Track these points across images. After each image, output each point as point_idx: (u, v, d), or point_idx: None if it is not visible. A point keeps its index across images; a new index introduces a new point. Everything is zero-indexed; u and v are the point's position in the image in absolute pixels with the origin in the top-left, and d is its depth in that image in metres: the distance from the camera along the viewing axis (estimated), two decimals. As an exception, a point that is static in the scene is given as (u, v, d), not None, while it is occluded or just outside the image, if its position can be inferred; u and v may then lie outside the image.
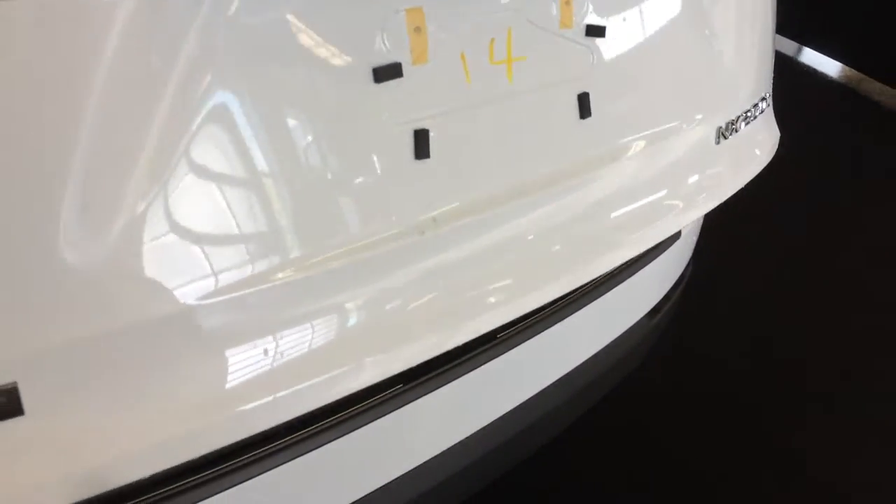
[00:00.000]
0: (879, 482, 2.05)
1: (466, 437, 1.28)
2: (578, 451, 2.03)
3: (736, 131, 1.40)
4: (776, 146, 1.53)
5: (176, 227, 0.80)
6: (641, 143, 1.26)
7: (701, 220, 1.66)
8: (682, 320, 1.87)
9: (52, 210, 0.72)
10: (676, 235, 1.52)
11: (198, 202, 0.81)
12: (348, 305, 0.96)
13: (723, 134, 1.38)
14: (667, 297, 1.66)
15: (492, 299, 1.10)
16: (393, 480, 1.18)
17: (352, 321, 0.96)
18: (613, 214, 1.25)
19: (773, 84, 1.56)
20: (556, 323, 1.31)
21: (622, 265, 1.42)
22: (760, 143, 1.49)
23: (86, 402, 0.77)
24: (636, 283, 1.47)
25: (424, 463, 1.22)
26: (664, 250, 1.50)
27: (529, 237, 1.14)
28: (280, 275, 0.88)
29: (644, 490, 1.98)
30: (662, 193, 1.31)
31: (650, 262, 1.48)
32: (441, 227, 1.02)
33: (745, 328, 2.54)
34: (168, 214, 0.79)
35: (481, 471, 1.41)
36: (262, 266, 0.86)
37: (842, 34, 4.40)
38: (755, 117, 1.46)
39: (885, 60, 4.20)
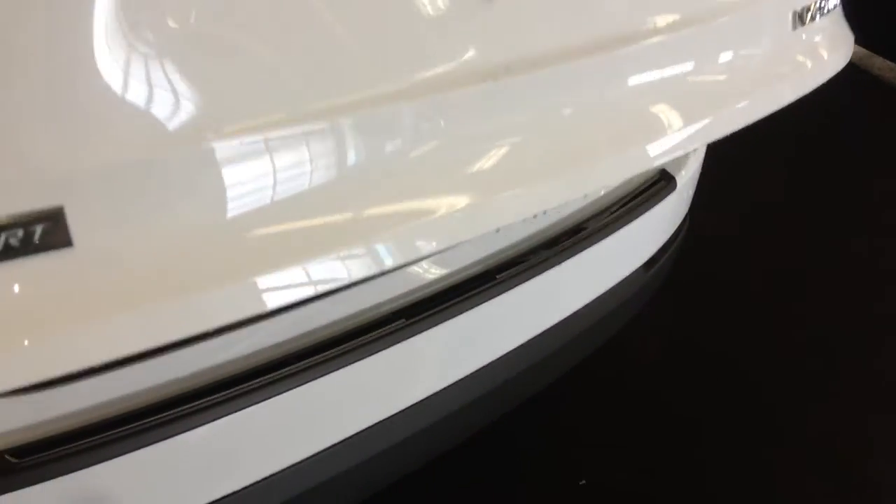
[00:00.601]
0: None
1: (459, 380, 1.31)
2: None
3: (813, 19, 1.30)
4: (851, 48, 1.44)
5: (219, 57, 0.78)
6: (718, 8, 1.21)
7: (698, 173, 1.68)
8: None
9: (99, 28, 0.69)
10: (672, 185, 1.55)
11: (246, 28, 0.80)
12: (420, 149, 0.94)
13: (800, 18, 1.29)
14: (663, 250, 1.68)
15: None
16: (386, 419, 1.22)
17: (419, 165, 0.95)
18: (685, 87, 1.20)
19: None
20: (552, 268, 1.34)
21: (618, 213, 1.46)
22: (837, 39, 1.40)
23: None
24: (632, 233, 1.49)
25: (417, 403, 1.25)
26: (660, 199, 1.53)
27: (595, 104, 1.12)
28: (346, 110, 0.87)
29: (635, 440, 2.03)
30: (736, 75, 1.24)
31: (646, 210, 1.51)
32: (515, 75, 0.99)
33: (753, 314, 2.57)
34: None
35: (472, 416, 1.45)
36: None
37: (848, 9, 4.35)
38: (829, 11, 1.37)
39: (892, 37, 4.17)
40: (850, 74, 1.50)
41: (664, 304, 2.01)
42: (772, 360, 2.31)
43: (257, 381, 1.02)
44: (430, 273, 1.22)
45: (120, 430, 0.91)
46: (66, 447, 0.88)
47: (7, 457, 0.85)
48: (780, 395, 2.20)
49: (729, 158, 2.16)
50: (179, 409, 0.96)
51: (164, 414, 0.95)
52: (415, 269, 1.21)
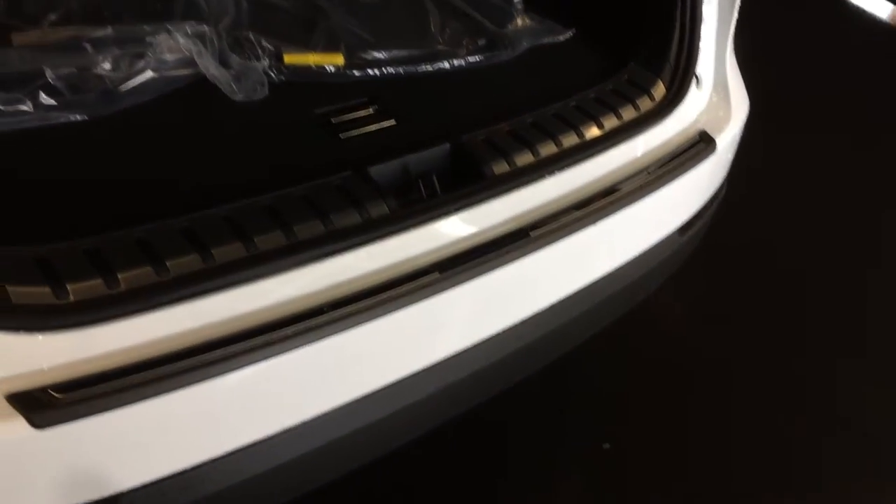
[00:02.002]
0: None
1: (491, 337, 1.31)
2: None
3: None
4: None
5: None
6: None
7: (739, 136, 1.65)
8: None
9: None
10: (712, 147, 1.52)
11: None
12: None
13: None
14: (699, 215, 1.66)
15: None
16: (417, 372, 1.23)
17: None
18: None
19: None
20: (587, 227, 1.33)
21: (654, 176, 1.44)
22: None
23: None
24: (667, 196, 1.48)
25: (449, 358, 1.26)
26: (699, 162, 1.50)
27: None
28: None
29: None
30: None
31: (682, 174, 1.49)
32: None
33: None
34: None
35: (501, 374, 1.46)
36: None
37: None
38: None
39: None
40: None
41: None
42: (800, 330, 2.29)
43: (291, 328, 1.03)
44: (466, 228, 1.22)
45: (154, 370, 0.92)
46: (107, 384, 0.90)
47: (51, 392, 0.87)
48: (809, 366, 2.19)
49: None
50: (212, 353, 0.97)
51: (198, 357, 0.97)
52: (450, 223, 1.20)
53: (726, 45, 1.70)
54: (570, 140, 1.39)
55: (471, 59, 1.54)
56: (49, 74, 1.18)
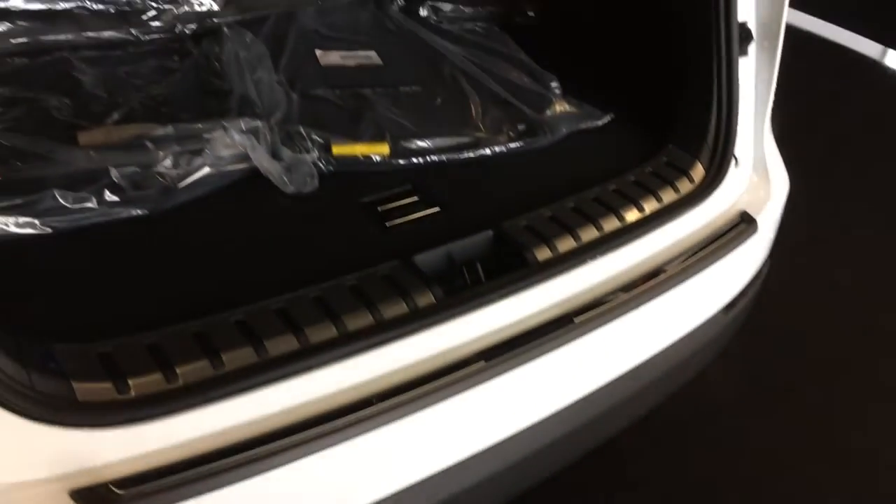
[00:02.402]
0: None
1: (538, 423, 1.31)
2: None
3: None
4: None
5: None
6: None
7: (780, 214, 1.66)
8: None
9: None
10: (754, 228, 1.53)
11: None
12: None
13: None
14: (743, 293, 1.66)
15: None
16: (463, 461, 1.23)
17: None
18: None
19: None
20: (631, 311, 1.34)
21: (696, 258, 1.45)
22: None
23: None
24: (711, 277, 1.48)
25: (494, 445, 1.26)
26: (740, 244, 1.51)
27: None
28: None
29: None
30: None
31: (725, 255, 1.49)
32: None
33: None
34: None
35: (547, 459, 1.45)
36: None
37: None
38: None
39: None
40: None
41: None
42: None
43: (340, 420, 1.05)
44: (510, 315, 1.24)
45: (216, 463, 0.95)
46: (165, 479, 0.92)
47: (112, 487, 0.90)
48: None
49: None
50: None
51: (252, 451, 0.99)
52: (494, 311, 1.22)
53: (764, 124, 1.73)
54: (611, 224, 1.41)
55: (511, 145, 1.58)
56: (114, 174, 1.25)
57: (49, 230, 1.21)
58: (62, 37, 1.61)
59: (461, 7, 2.02)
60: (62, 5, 1.63)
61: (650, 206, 1.47)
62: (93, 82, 1.54)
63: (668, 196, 1.50)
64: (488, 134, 1.58)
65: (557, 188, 1.47)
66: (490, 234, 1.34)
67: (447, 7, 2.00)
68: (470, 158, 1.54)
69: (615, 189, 1.49)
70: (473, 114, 1.62)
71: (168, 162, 1.29)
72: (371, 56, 1.81)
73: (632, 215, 1.44)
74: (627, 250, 1.40)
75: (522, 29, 2.06)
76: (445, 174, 1.51)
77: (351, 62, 1.77)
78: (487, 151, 1.56)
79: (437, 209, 1.42)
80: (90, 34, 1.64)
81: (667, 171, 1.56)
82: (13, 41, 1.56)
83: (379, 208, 1.40)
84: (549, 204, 1.42)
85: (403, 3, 2.01)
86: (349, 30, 1.91)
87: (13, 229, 1.19)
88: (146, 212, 1.28)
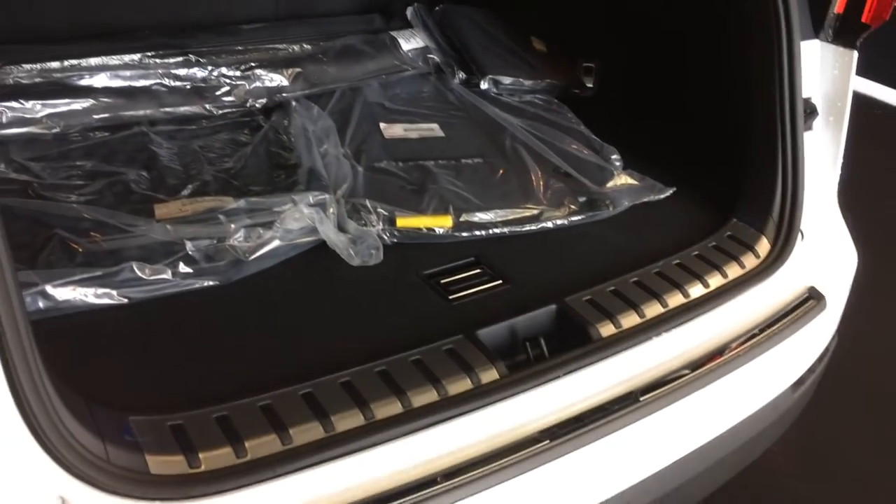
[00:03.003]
0: None
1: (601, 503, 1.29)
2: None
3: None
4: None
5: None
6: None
7: (848, 289, 1.62)
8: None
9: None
10: (822, 304, 1.49)
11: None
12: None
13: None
14: (811, 370, 1.61)
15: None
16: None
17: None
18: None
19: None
20: (697, 390, 1.32)
21: (763, 336, 1.42)
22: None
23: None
24: (778, 355, 1.45)
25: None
26: (809, 321, 1.48)
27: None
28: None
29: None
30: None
31: (793, 332, 1.46)
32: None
33: None
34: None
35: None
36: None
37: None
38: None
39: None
40: None
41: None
42: None
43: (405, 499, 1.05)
44: (574, 393, 1.23)
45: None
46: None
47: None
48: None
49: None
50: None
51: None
52: (558, 388, 1.21)
53: (830, 197, 1.71)
54: (675, 299, 1.40)
55: (573, 218, 1.59)
56: (189, 247, 1.30)
57: (125, 300, 1.25)
58: (141, 112, 1.69)
59: (521, 80, 2.06)
60: (142, 82, 1.72)
61: (715, 281, 1.45)
62: (169, 156, 1.60)
63: (734, 271, 1.49)
64: (550, 207, 1.59)
65: (620, 262, 1.47)
66: (553, 308, 1.34)
67: (507, 80, 2.04)
68: (532, 231, 1.55)
69: (679, 263, 1.48)
70: (535, 186, 1.64)
71: (240, 235, 1.33)
72: (433, 129, 1.85)
73: (696, 291, 1.43)
74: (692, 326, 1.38)
75: (581, 100, 2.09)
76: (508, 247, 1.52)
77: (414, 134, 1.81)
78: (549, 224, 1.57)
79: (499, 282, 1.43)
80: (167, 109, 1.72)
81: (731, 245, 1.55)
82: (96, 116, 1.65)
83: (442, 281, 1.42)
84: (612, 278, 1.42)
85: (464, 76, 2.06)
86: (412, 102, 1.96)
87: (92, 300, 1.24)
88: (217, 282, 1.31)
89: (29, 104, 1.59)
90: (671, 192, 1.70)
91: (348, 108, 1.87)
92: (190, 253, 1.29)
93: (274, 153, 1.66)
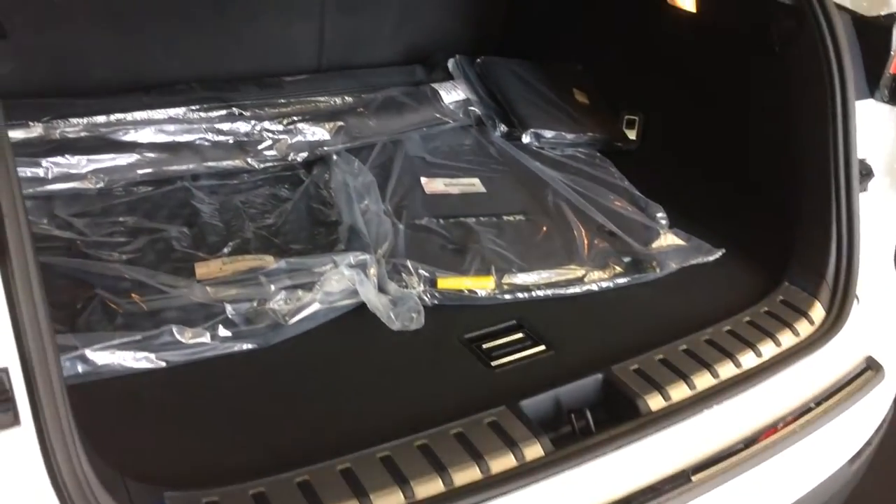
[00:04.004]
0: None
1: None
2: None
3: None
4: None
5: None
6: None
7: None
8: None
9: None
10: (881, 375, 1.43)
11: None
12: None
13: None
14: (868, 442, 1.54)
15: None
16: None
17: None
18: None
19: None
20: (750, 468, 1.26)
21: (820, 409, 1.36)
22: None
23: None
24: (836, 428, 1.38)
25: None
26: (867, 392, 1.41)
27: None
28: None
29: None
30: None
31: (850, 405, 1.39)
32: None
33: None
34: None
35: None
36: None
37: None
38: None
39: None
40: None
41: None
42: None
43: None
44: (622, 471, 1.18)
45: None
46: None
47: None
48: None
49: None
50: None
51: None
52: (605, 464, 1.17)
53: (887, 261, 1.64)
54: (726, 370, 1.34)
55: (618, 280, 1.55)
56: (229, 310, 1.28)
57: (164, 364, 1.24)
58: (184, 167, 1.70)
59: (563, 133, 2.03)
60: (186, 137, 1.73)
61: (768, 350, 1.40)
62: (210, 212, 1.60)
63: (788, 339, 1.43)
64: (594, 268, 1.56)
65: (668, 328, 1.43)
66: (599, 378, 1.30)
67: (548, 133, 2.02)
68: (576, 294, 1.52)
69: (729, 330, 1.43)
70: (578, 246, 1.60)
71: (280, 298, 1.31)
72: (474, 183, 1.83)
73: (749, 360, 1.37)
74: (745, 399, 1.33)
75: (625, 154, 2.06)
76: (551, 309, 1.49)
77: (455, 190, 1.79)
78: (594, 287, 1.53)
79: (542, 347, 1.39)
80: (210, 164, 1.72)
81: (784, 311, 1.49)
82: (140, 171, 1.65)
83: (484, 345, 1.38)
84: (660, 345, 1.37)
85: (505, 129, 2.04)
86: (453, 156, 1.94)
87: (131, 364, 1.22)
88: (256, 345, 1.29)
89: (74, 159, 1.60)
90: (720, 253, 1.64)
91: (389, 162, 1.86)
92: (230, 316, 1.27)
93: (315, 209, 1.65)
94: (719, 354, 1.36)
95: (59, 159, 1.58)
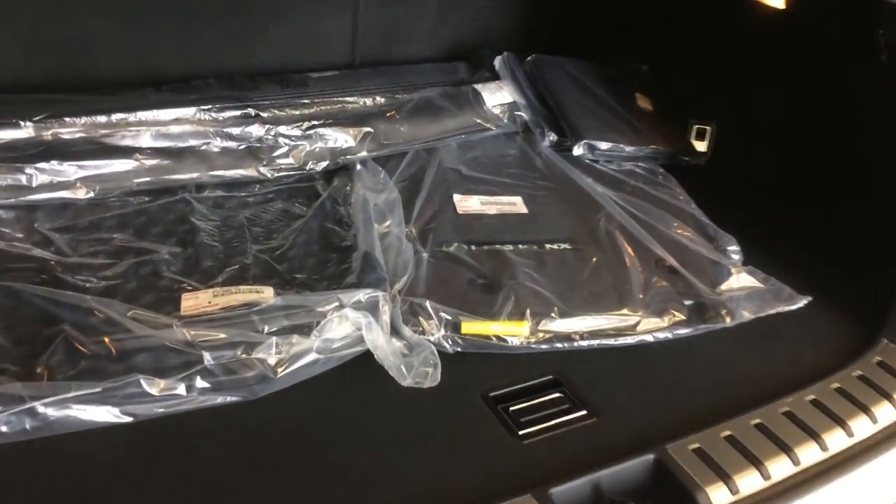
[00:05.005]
0: None
1: None
2: None
3: None
4: None
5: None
6: None
7: None
8: None
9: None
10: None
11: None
12: None
13: None
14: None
15: None
16: None
17: None
18: None
19: None
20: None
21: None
22: None
23: None
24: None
25: None
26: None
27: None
28: None
29: None
30: None
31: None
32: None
33: None
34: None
35: None
36: None
37: None
38: None
39: None
40: None
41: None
42: None
43: None
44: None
45: None
46: None
47: None
48: None
49: None
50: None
51: None
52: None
53: None
54: (809, 454, 1.09)
55: (679, 331, 1.30)
56: (207, 360, 1.08)
57: (129, 419, 1.05)
58: (187, 175, 1.51)
59: (621, 144, 1.78)
60: (192, 142, 1.54)
61: (862, 427, 1.14)
62: (210, 230, 1.41)
63: (886, 414, 1.17)
64: (650, 314, 1.31)
65: (737, 394, 1.18)
66: (650, 459, 1.06)
67: (604, 144, 1.76)
68: (627, 346, 1.27)
69: (814, 400, 1.17)
70: (633, 286, 1.35)
71: (271, 346, 1.11)
72: (515, 203, 1.59)
73: (837, 441, 1.12)
74: (831, 492, 1.08)
75: (692, 171, 1.80)
76: (595, 364, 1.25)
77: (492, 210, 1.56)
78: (649, 338, 1.28)
79: (583, 413, 1.16)
80: (216, 172, 1.53)
81: (881, 376, 1.23)
82: (137, 181, 1.47)
83: (512, 407, 1.16)
84: (727, 417, 1.13)
85: (555, 138, 1.80)
86: (493, 169, 1.71)
87: (90, 418, 1.04)
88: (238, 399, 1.10)
89: (63, 165, 1.42)
90: (805, 301, 1.38)
91: (420, 174, 1.64)
92: (208, 367, 1.08)
93: (328, 230, 1.44)
94: (800, 433, 1.11)
95: (45, 165, 1.41)
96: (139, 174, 1.48)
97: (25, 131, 1.47)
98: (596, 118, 1.81)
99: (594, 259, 1.43)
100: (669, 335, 1.30)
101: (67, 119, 1.50)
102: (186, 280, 1.27)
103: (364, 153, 1.65)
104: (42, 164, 1.41)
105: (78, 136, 1.49)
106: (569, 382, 1.21)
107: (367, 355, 1.17)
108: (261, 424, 1.09)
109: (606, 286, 1.36)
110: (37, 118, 1.48)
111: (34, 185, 1.40)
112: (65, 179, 1.42)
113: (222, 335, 1.11)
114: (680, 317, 1.32)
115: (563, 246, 1.47)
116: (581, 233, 1.51)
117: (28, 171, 1.39)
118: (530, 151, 1.78)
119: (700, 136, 1.86)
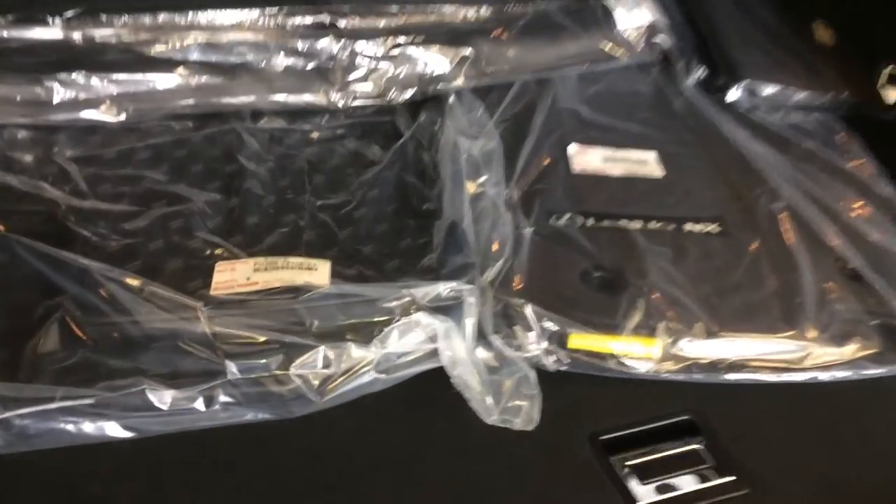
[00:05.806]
0: None
1: None
2: None
3: None
4: None
5: None
6: None
7: None
8: None
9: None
10: None
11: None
12: None
13: None
14: None
15: None
16: None
17: None
18: None
19: None
20: None
21: None
22: None
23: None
24: None
25: None
26: None
27: None
28: None
29: None
30: None
31: None
32: None
33: None
34: None
35: None
36: None
37: None
38: None
39: None
40: None
41: None
42: None
43: None
44: None
45: None
46: None
47: None
48: None
49: None
50: None
51: None
52: None
53: None
54: None
55: (864, 370, 0.96)
56: (231, 371, 0.82)
57: (131, 434, 0.81)
58: (240, 99, 1.22)
59: (791, 89, 1.38)
60: (249, 56, 1.24)
61: None
62: (262, 175, 1.13)
63: None
64: (825, 340, 0.96)
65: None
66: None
67: (770, 88, 1.37)
68: (793, 384, 0.94)
69: None
70: (805, 297, 1.01)
71: (317, 358, 0.84)
72: (648, 160, 1.24)
73: None
74: None
75: (881, 129, 1.38)
76: (749, 405, 0.93)
77: (617, 169, 1.22)
78: (823, 376, 0.95)
79: (731, 480, 0.85)
80: (277, 97, 1.24)
81: None
82: (180, 102, 1.19)
83: (629, 461, 0.86)
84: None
85: (704, 74, 1.41)
86: (621, 111, 1.34)
87: (81, 431, 0.80)
88: (268, 417, 0.84)
89: (92, 79, 1.16)
90: None
91: (527, 114, 1.29)
92: (231, 381, 0.82)
93: (408, 186, 1.14)
94: None
95: (69, 76, 1.14)
96: (184, 94, 1.20)
97: (52, 31, 1.21)
98: (761, 51, 1.41)
99: (751, 251, 1.08)
100: (851, 374, 0.96)
101: (105, 17, 1.23)
102: (224, 242, 1.00)
103: (460, 81, 1.32)
104: (65, 76, 1.14)
105: (113, 40, 1.22)
106: (710, 430, 0.90)
107: (438, 377, 0.89)
108: (296, 453, 0.84)
109: (767, 294, 1.02)
110: (68, 14, 1.22)
111: (55, 101, 1.14)
112: (92, 96, 1.15)
113: (256, 336, 0.85)
114: (867, 347, 0.97)
115: (709, 227, 1.12)
116: (733, 211, 1.15)
117: (48, 83, 1.13)
118: (669, 94, 1.40)
119: (893, 82, 1.44)
